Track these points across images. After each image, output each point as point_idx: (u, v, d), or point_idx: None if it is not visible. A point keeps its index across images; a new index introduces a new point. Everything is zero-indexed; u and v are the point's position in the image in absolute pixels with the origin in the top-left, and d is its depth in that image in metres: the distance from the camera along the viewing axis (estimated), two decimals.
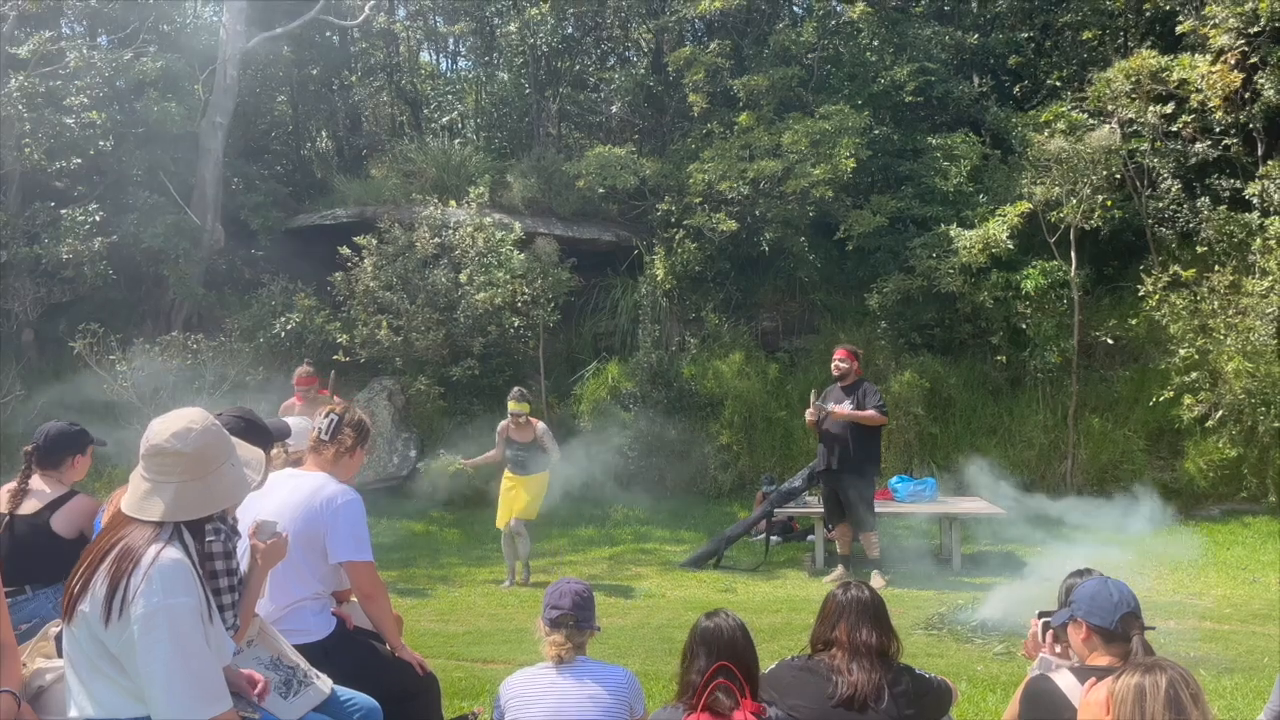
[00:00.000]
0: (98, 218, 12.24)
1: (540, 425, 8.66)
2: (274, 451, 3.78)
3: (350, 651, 3.52)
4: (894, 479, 9.81)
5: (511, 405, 8.50)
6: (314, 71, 16.80)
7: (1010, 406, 12.20)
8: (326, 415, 3.77)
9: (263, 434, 3.36)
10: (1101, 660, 2.96)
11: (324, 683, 3.14)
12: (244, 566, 3.02)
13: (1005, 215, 12.02)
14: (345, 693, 3.23)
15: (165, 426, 2.52)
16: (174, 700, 2.36)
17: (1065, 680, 3.21)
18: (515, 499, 8.51)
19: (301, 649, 3.30)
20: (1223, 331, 11.21)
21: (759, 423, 12.43)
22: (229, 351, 11.74)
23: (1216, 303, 11.42)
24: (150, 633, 2.34)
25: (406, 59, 18.58)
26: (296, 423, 3.84)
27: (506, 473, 8.64)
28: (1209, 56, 12.04)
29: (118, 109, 13.54)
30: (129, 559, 2.38)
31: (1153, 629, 3.14)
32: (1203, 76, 11.88)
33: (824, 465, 8.57)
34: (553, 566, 9.36)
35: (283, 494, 3.54)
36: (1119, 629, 2.95)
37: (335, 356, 11.62)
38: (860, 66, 14.31)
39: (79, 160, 12.57)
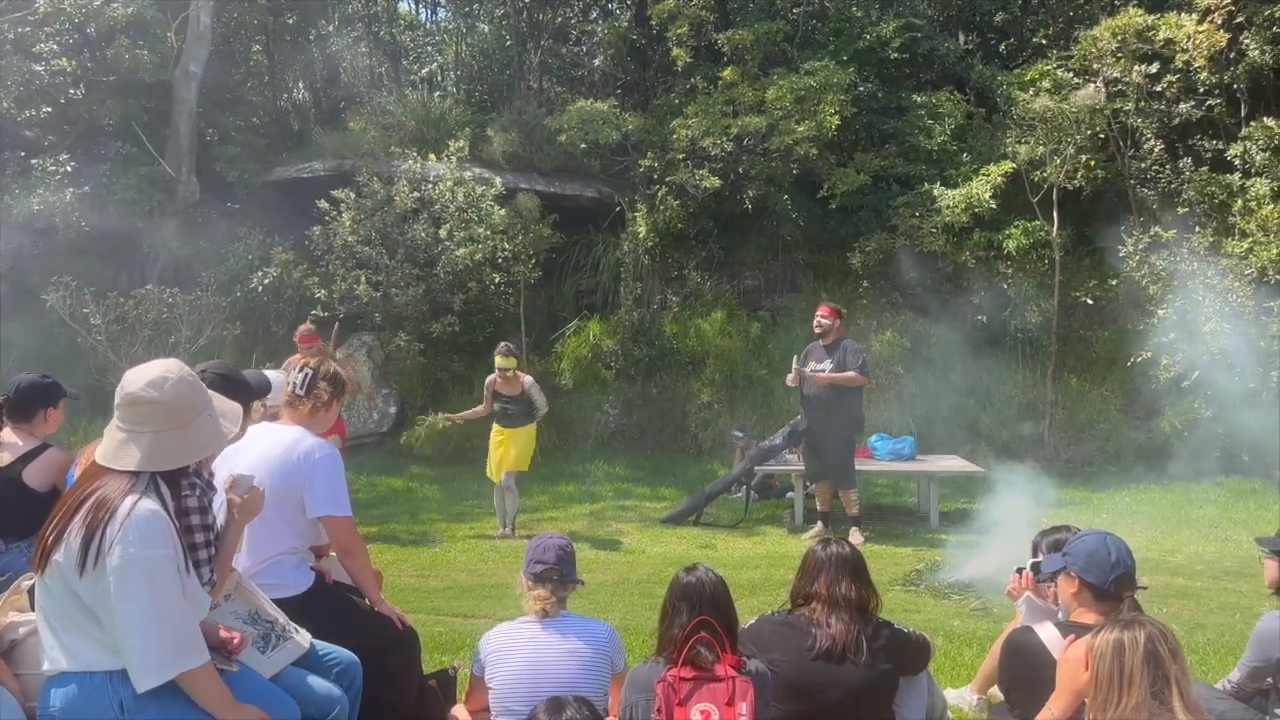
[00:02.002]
0: (69, 168, 12.00)
1: (527, 379, 8.72)
2: (252, 406, 3.74)
3: (329, 606, 3.50)
4: (873, 437, 9.85)
5: (499, 360, 8.52)
6: (290, 20, 16.44)
7: (990, 366, 12.25)
8: (301, 369, 3.71)
9: (244, 389, 3.32)
10: (1088, 617, 3.00)
11: (303, 637, 3.12)
12: (221, 521, 2.99)
13: (989, 175, 11.99)
14: (324, 647, 3.21)
15: (140, 376, 2.48)
16: (149, 651, 2.34)
17: (1048, 633, 3.25)
18: (505, 452, 8.59)
19: (280, 603, 3.27)
20: (1202, 293, 11.27)
21: (740, 381, 12.44)
22: (205, 306, 11.60)
23: (1196, 264, 11.47)
24: (126, 583, 2.31)
25: (385, 9, 18.19)
26: (273, 376, 3.78)
27: (495, 426, 8.72)
28: (1195, 16, 11.99)
29: (88, 56, 13.24)
30: (105, 509, 2.35)
31: (1144, 588, 3.17)
32: (1189, 36, 11.85)
33: (805, 424, 8.60)
34: (534, 522, 9.37)
35: (259, 448, 3.49)
36: (1112, 588, 2.99)
37: (313, 312, 11.50)
38: (845, 22, 14.14)
39: (49, 109, 12.31)
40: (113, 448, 2.45)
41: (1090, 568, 3.04)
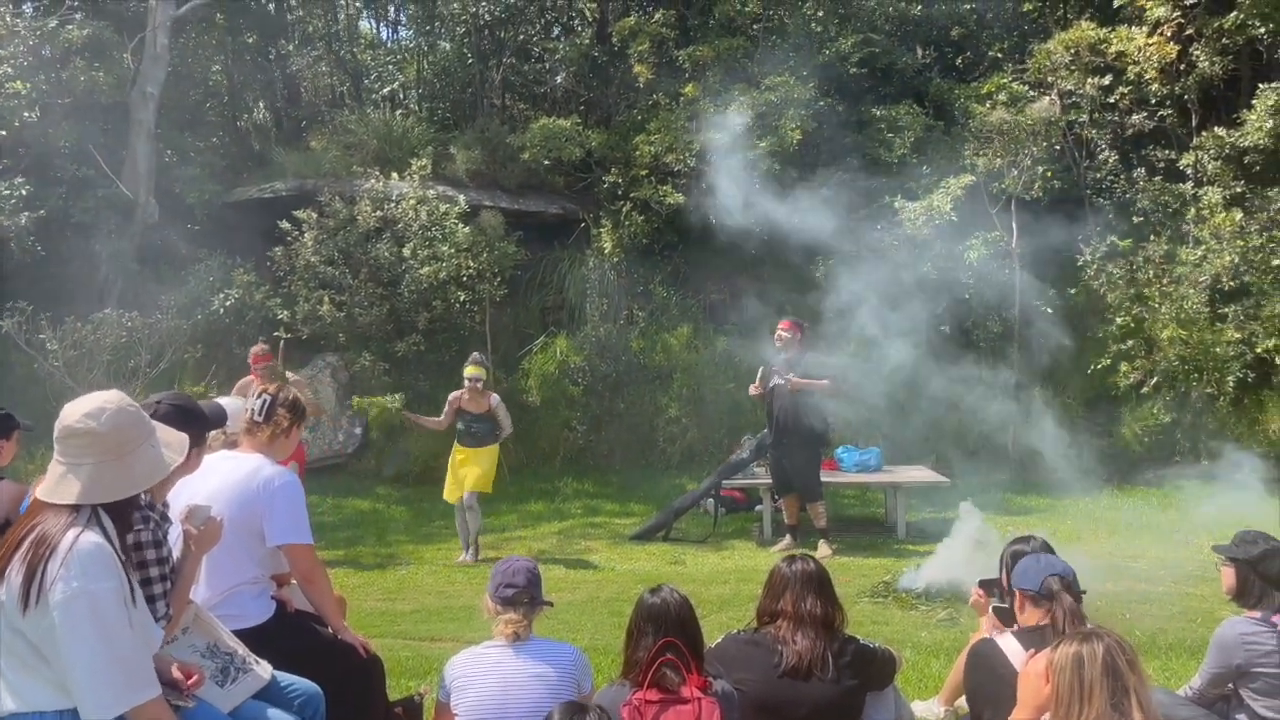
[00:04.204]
0: (24, 191, 11.79)
1: (495, 397, 8.58)
2: (211, 435, 3.69)
3: (290, 636, 3.46)
4: (840, 449, 9.91)
5: (469, 369, 8.34)
6: (249, 40, 16.33)
7: (954, 376, 12.35)
8: (259, 396, 3.67)
9: (199, 420, 3.27)
10: (1032, 620, 3.28)
11: (263, 668, 3.08)
12: (177, 553, 2.94)
13: (948, 186, 12.13)
14: (286, 678, 3.17)
15: (78, 408, 2.46)
16: (98, 687, 2.30)
17: (1009, 644, 3.35)
18: (467, 472, 8.41)
19: (240, 634, 3.23)
20: (1157, 300, 11.47)
21: (707, 395, 12.46)
22: (165, 329, 11.43)
23: (1151, 271, 11.68)
24: (71, 619, 2.27)
25: (345, 28, 18.14)
26: (231, 403, 3.73)
27: (457, 445, 8.53)
28: (1146, 29, 12.24)
29: (43, 78, 13.02)
30: (45, 544, 2.31)
31: (1084, 592, 3.41)
32: (1140, 49, 12.10)
33: (771, 437, 8.63)
34: (502, 542, 9.31)
35: (218, 477, 3.45)
36: (1044, 589, 3.29)
37: (276, 334, 11.39)
38: (805, 37, 14.28)
39: (3, 132, 12.08)
40: (53, 481, 2.42)
41: (1022, 579, 3.39)
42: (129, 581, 2.42)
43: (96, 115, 13.14)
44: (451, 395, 8.54)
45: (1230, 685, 3.70)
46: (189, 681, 2.71)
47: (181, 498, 3.17)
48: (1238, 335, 11.12)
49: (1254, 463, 10.55)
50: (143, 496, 2.75)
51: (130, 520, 2.57)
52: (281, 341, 9.54)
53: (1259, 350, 11.06)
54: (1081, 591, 3.43)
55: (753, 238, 13.26)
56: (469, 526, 8.57)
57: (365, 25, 19.37)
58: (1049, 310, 12.48)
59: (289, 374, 8.61)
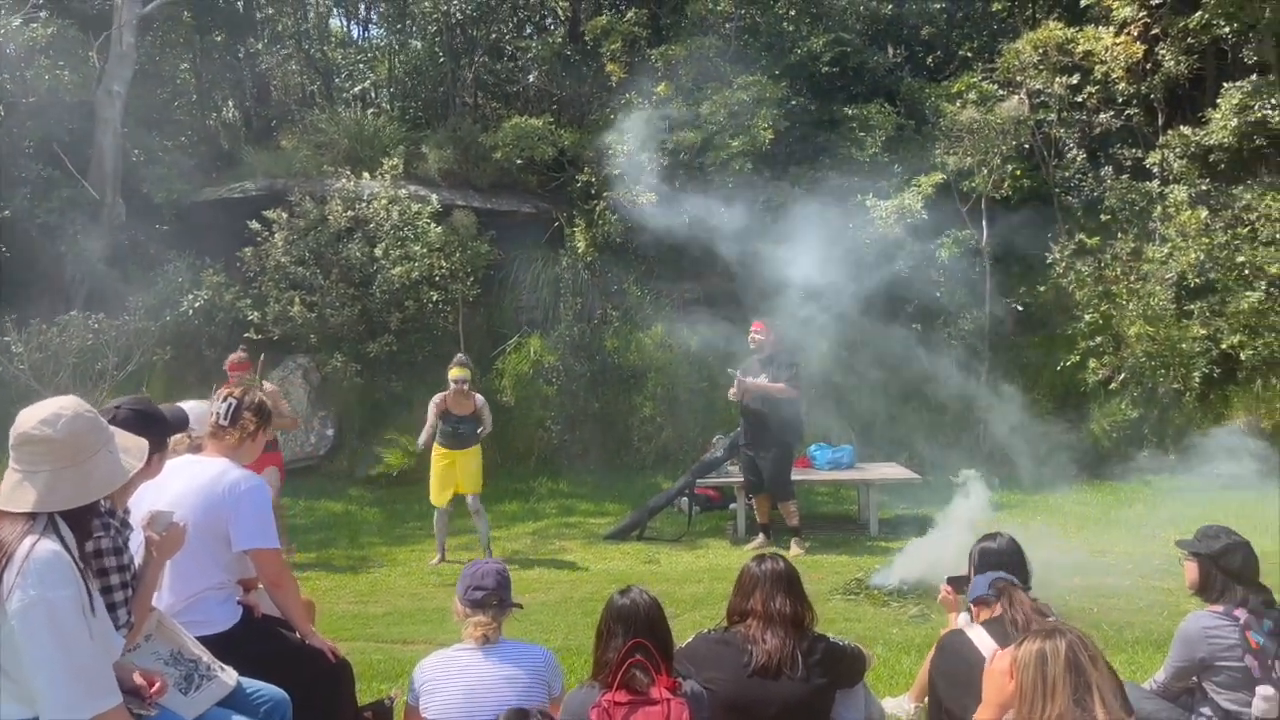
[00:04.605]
0: None
1: (479, 398, 8.41)
2: (176, 438, 3.65)
3: (257, 641, 3.43)
4: (812, 446, 9.95)
5: (455, 371, 8.15)
6: (218, 38, 16.16)
7: (926, 373, 12.45)
8: (225, 399, 3.63)
9: (159, 424, 3.22)
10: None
11: (229, 675, 3.05)
12: (139, 560, 2.91)
13: (919, 185, 12.21)
14: (252, 684, 3.14)
15: (33, 414, 2.42)
16: (57, 696, 2.28)
17: (977, 634, 3.41)
18: (458, 475, 8.25)
19: (206, 641, 3.20)
20: (1125, 297, 11.61)
21: (682, 394, 12.48)
22: (133, 331, 11.30)
23: (1119, 269, 11.82)
24: (29, 627, 2.25)
25: (315, 25, 17.99)
26: (194, 407, 3.69)
27: (439, 448, 8.32)
28: (1112, 29, 12.37)
29: (7, 77, 12.83)
30: (1, 553, 2.28)
31: (1029, 589, 3.72)
32: (1107, 48, 12.23)
33: (744, 436, 8.66)
34: (477, 543, 9.27)
35: (182, 481, 3.41)
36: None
37: (247, 335, 11.28)
38: (777, 37, 14.33)
39: None
40: (8, 489, 2.38)
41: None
42: (88, 589, 2.39)
43: (62, 114, 12.95)
44: (435, 399, 8.31)
45: (1194, 678, 3.75)
46: (151, 689, 2.68)
47: (144, 503, 3.13)
48: (1203, 331, 11.27)
49: (1222, 456, 10.73)
50: (103, 503, 2.72)
51: (89, 527, 2.54)
52: (262, 355, 9.41)
53: (1224, 346, 11.21)
54: (1026, 587, 3.71)
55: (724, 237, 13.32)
56: (479, 529, 8.45)
57: (336, 23, 19.25)
58: (1019, 307, 12.61)
59: (265, 384, 8.48)
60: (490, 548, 8.55)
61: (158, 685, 2.70)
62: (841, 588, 7.10)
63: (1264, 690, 3.44)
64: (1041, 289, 12.46)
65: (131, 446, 2.62)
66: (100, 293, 12.33)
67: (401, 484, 11.25)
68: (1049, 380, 12.15)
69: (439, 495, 8.36)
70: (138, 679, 2.68)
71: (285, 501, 8.80)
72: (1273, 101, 11.63)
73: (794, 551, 8.24)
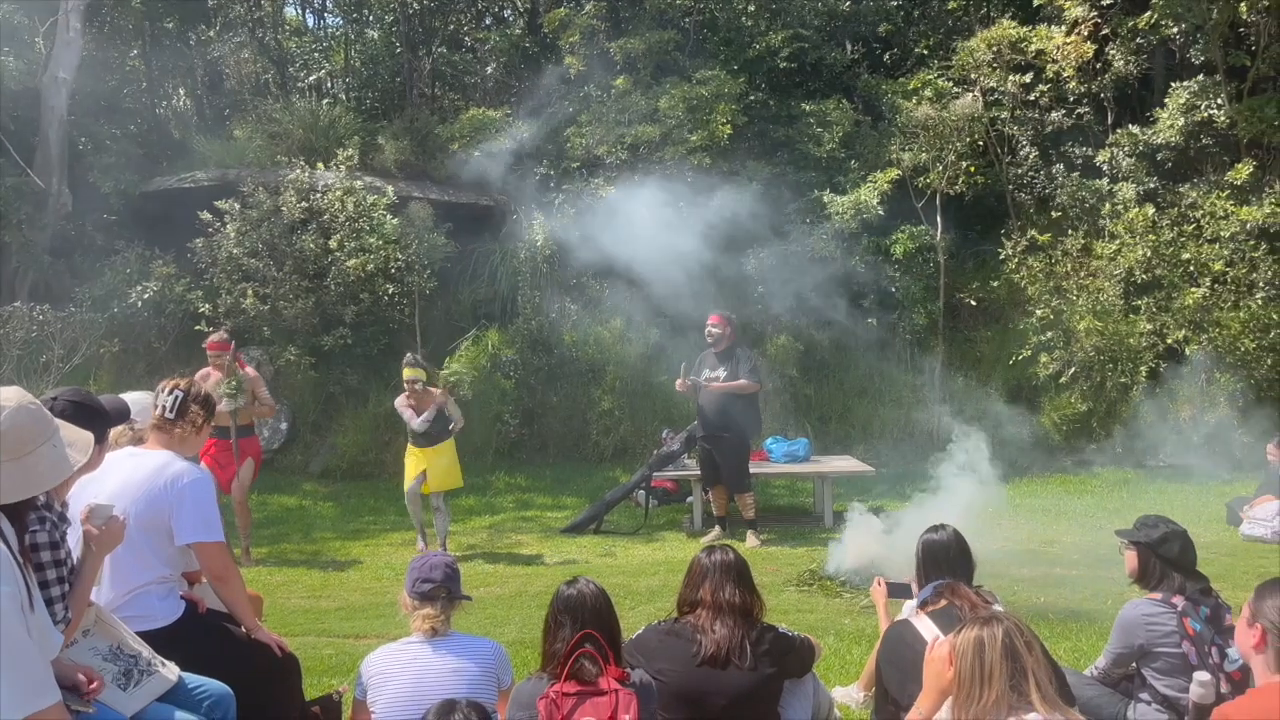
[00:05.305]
0: None
1: (439, 392, 8.30)
2: (117, 430, 3.58)
3: (200, 636, 3.38)
4: (769, 440, 10.01)
5: (405, 372, 8.07)
6: (168, 24, 15.86)
7: (880, 367, 12.59)
8: (171, 391, 3.57)
9: (99, 417, 3.16)
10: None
11: (170, 670, 3.01)
12: (77, 554, 2.85)
13: (876, 181, 12.32)
14: (194, 680, 3.10)
15: None
16: None
17: (923, 624, 3.47)
18: (429, 473, 8.13)
19: (147, 636, 3.15)
20: (1075, 292, 11.81)
21: (640, 388, 12.49)
22: (79, 323, 11.08)
23: (1069, 265, 12.02)
24: None
25: (270, 13, 17.72)
26: (137, 399, 3.62)
27: (411, 448, 8.22)
28: (1064, 28, 12.56)
29: None
30: None
31: (972, 577, 3.78)
32: (1058, 47, 12.41)
33: (701, 429, 8.69)
34: (432, 536, 9.21)
35: (123, 474, 3.36)
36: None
37: (197, 327, 11.11)
38: (735, 32, 14.37)
39: None
40: None
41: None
42: (26, 585, 2.34)
43: (6, 101, 12.67)
44: (398, 401, 8.22)
45: (1133, 665, 3.83)
46: (89, 686, 2.63)
47: (83, 496, 3.08)
48: (1150, 327, 11.50)
49: (1167, 449, 10.97)
50: (40, 496, 2.67)
51: (26, 521, 2.49)
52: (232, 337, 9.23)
53: (1170, 341, 11.45)
54: (977, 587, 3.74)
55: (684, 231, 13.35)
56: (437, 526, 8.34)
57: (291, 11, 18.98)
58: (972, 302, 12.77)
59: (247, 368, 8.33)
60: (446, 544, 8.48)
61: (95, 684, 2.66)
62: (795, 579, 7.16)
63: (1200, 676, 3.52)
64: (994, 284, 12.64)
65: (76, 440, 2.57)
66: (45, 283, 12.08)
67: (356, 478, 11.15)
68: (1002, 373, 12.33)
69: (408, 482, 8.26)
70: (79, 675, 2.64)
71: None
72: (1218, 101, 11.89)
73: (751, 543, 8.29)
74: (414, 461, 8.23)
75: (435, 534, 8.50)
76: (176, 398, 3.58)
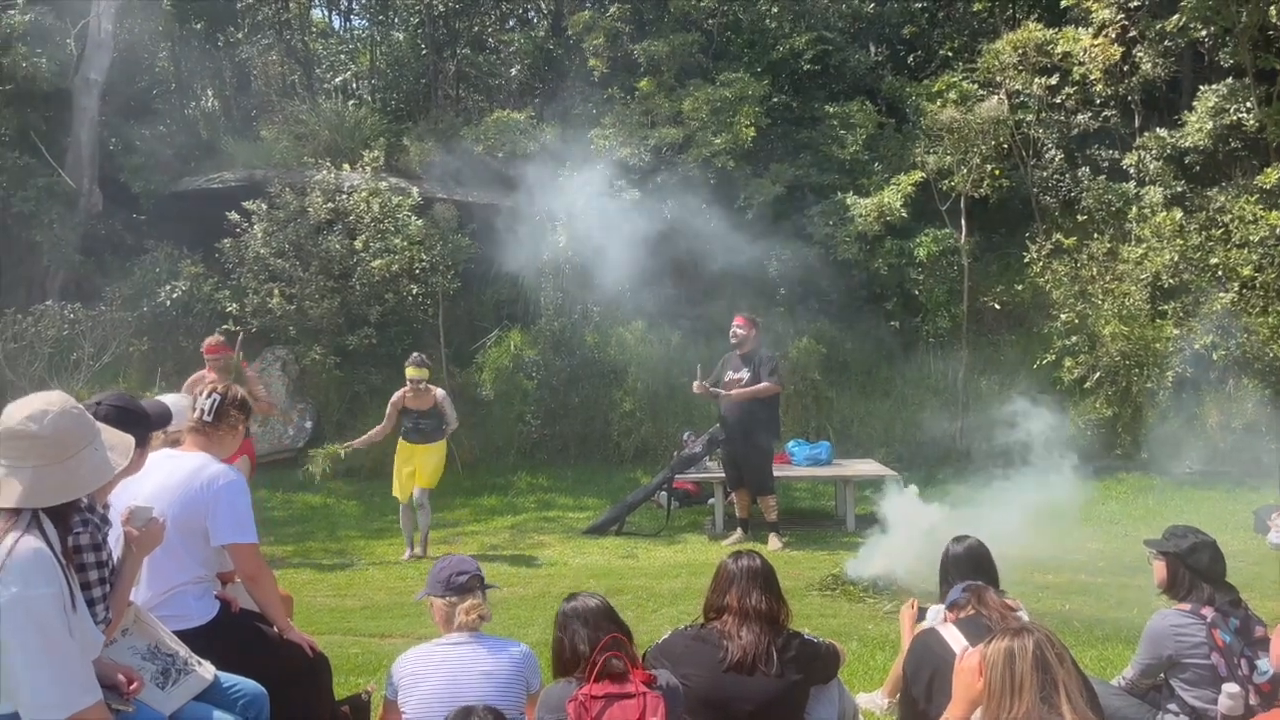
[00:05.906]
0: None
1: (439, 392, 8.48)
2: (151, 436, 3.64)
3: (235, 636, 3.43)
4: (791, 442, 10.00)
5: (411, 371, 8.27)
6: (197, 26, 16.02)
7: (903, 370, 12.55)
8: (209, 395, 3.63)
9: (141, 420, 3.21)
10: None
11: (206, 669, 3.05)
12: (117, 556, 2.91)
13: (899, 184, 12.29)
14: (229, 679, 3.15)
15: (20, 409, 2.42)
16: (39, 694, 2.28)
17: (950, 633, 3.46)
18: (416, 469, 8.34)
19: (183, 635, 3.20)
20: (1100, 297, 11.72)
21: (662, 390, 12.51)
22: (109, 321, 11.22)
23: (1095, 269, 11.93)
24: (10, 625, 2.25)
25: (297, 15, 17.88)
26: (175, 402, 3.68)
27: (403, 442, 8.44)
28: (1091, 30, 12.47)
29: None
30: None
31: (997, 587, 3.82)
32: (1085, 50, 12.32)
33: (723, 432, 8.70)
34: (455, 537, 9.29)
35: (160, 476, 3.41)
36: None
37: (225, 326, 11.22)
38: (759, 34, 14.36)
39: None
40: None
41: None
42: (69, 586, 2.39)
43: (39, 103, 12.85)
44: (394, 396, 8.42)
45: (1161, 676, 3.82)
46: (129, 686, 2.68)
47: (123, 498, 3.13)
48: (1176, 331, 11.40)
49: (1194, 456, 10.87)
50: (83, 498, 2.72)
51: (70, 523, 2.54)
52: (240, 335, 9.38)
53: (1197, 346, 11.34)
54: (1001, 592, 3.78)
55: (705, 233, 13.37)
56: (419, 523, 8.51)
57: (317, 13, 19.13)
58: (996, 306, 12.71)
59: (247, 370, 8.45)
60: (425, 544, 8.56)
61: (135, 684, 2.71)
62: (818, 583, 7.16)
63: (1229, 688, 3.50)
64: (1019, 287, 12.57)
65: (118, 444, 2.62)
66: (76, 282, 12.25)
67: (380, 477, 11.19)
68: (1026, 377, 12.26)
69: (400, 489, 8.45)
70: (118, 675, 2.69)
71: (261, 494, 8.76)
72: (1247, 105, 11.77)
73: (773, 546, 8.30)
74: (404, 456, 8.42)
75: (419, 536, 8.57)
76: (214, 401, 3.64)
